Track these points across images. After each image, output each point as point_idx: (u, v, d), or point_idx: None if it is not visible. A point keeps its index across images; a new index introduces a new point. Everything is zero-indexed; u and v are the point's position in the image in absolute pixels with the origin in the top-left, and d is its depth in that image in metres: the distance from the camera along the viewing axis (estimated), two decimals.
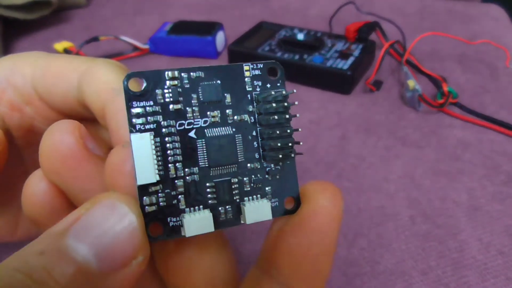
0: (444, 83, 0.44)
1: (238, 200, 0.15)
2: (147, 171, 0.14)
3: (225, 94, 0.15)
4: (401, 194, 0.35)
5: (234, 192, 0.15)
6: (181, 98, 0.15)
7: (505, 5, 0.65)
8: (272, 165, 0.16)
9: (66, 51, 0.53)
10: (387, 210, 0.34)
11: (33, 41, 0.59)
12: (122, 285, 0.12)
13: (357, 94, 0.47)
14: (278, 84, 0.16)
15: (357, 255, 0.31)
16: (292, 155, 0.16)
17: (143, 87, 0.14)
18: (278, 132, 0.15)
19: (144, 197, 0.14)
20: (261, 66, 0.16)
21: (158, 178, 0.14)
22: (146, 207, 0.14)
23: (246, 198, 0.15)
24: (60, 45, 0.53)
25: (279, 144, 0.15)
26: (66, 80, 0.19)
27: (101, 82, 0.18)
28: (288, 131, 0.16)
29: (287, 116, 0.16)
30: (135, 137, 0.14)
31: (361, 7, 0.58)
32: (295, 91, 0.16)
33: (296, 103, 0.16)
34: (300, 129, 0.16)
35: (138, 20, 0.65)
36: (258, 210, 0.15)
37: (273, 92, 0.15)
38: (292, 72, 0.49)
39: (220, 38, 0.54)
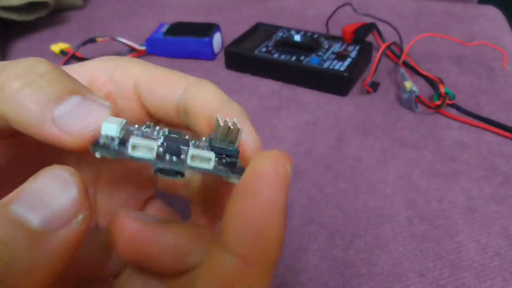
0: (441, 85, 0.44)
1: (186, 148, 0.17)
2: (111, 126, 0.16)
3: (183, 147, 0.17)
4: (398, 195, 0.35)
5: (181, 147, 0.17)
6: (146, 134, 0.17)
7: (502, 7, 0.65)
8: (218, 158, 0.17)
9: (63, 53, 0.53)
10: (384, 211, 0.34)
11: (30, 43, 0.59)
12: (65, 242, 0.14)
13: (354, 95, 0.47)
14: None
15: (354, 257, 0.31)
16: (236, 155, 0.17)
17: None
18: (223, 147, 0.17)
19: (100, 139, 0.16)
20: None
21: (119, 133, 0.16)
22: (100, 139, 0.16)
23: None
24: (56, 47, 0.53)
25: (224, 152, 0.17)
26: (173, 85, 0.21)
27: (213, 94, 0.20)
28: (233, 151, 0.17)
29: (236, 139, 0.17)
30: (105, 123, 0.16)
31: (358, 8, 0.58)
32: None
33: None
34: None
35: (134, 21, 0.65)
36: (201, 154, 0.16)
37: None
38: (289, 74, 0.49)
39: (217, 39, 0.54)
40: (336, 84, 0.47)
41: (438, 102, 0.43)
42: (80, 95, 0.17)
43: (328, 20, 0.58)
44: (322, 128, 0.43)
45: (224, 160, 0.17)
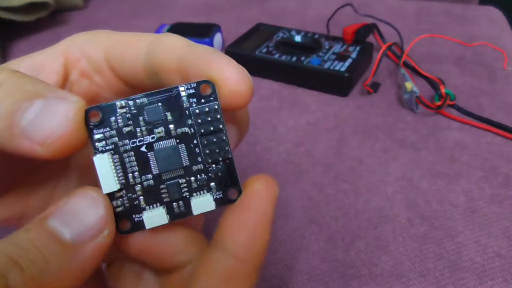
0: (441, 85, 0.44)
1: (188, 196, 0.18)
2: (109, 182, 0.17)
3: (166, 113, 0.18)
4: (398, 196, 0.35)
5: (183, 190, 0.18)
6: (130, 122, 0.18)
7: (503, 7, 0.65)
8: (214, 166, 0.19)
9: None
10: (385, 212, 0.34)
11: (30, 43, 0.59)
12: (92, 254, 0.16)
13: (354, 96, 0.47)
14: (211, 98, 0.18)
15: (355, 257, 0.31)
16: (229, 156, 0.19)
17: (99, 118, 0.18)
18: (211, 138, 0.18)
19: (113, 201, 0.18)
20: (194, 85, 0.18)
21: (119, 186, 0.18)
22: (116, 208, 0.18)
23: (194, 194, 0.19)
24: None
25: (214, 149, 0.18)
26: (136, 47, 0.20)
27: (175, 41, 0.20)
28: (221, 135, 0.18)
29: (221, 126, 0.18)
30: (97, 158, 0.17)
31: (358, 9, 0.58)
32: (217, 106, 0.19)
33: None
34: (223, 137, 0.19)
35: (135, 23, 0.65)
36: (202, 203, 0.18)
37: (207, 107, 0.18)
38: (289, 74, 0.49)
39: (217, 40, 0.54)
40: (336, 84, 0.47)
41: (438, 103, 0.43)
42: (42, 98, 0.16)
43: (328, 20, 0.58)
44: (322, 129, 0.43)
45: (219, 173, 0.19)
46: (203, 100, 0.18)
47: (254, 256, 0.18)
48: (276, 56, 0.49)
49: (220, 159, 0.19)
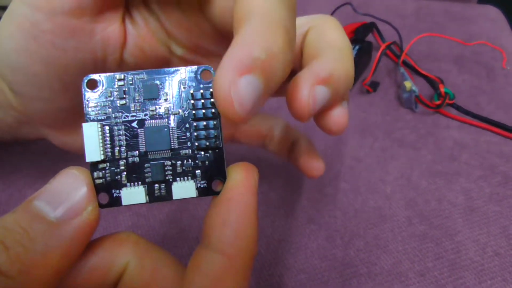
0: (440, 84, 0.44)
1: (171, 180, 0.18)
2: (94, 151, 0.17)
3: (164, 92, 0.18)
4: (397, 195, 0.35)
5: (167, 173, 0.18)
6: (126, 95, 0.18)
7: (502, 6, 0.65)
8: (202, 153, 0.18)
9: None
10: (384, 211, 0.34)
11: None
12: (77, 230, 0.16)
13: (353, 95, 0.47)
14: (210, 85, 0.18)
15: (354, 256, 0.31)
16: (220, 146, 0.18)
17: (96, 87, 0.18)
18: (204, 124, 0.18)
19: (94, 172, 0.18)
20: (195, 69, 0.18)
21: (102, 157, 0.17)
22: (96, 180, 0.18)
23: (177, 178, 0.18)
24: None
25: (205, 135, 0.18)
26: None
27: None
28: (214, 123, 0.18)
29: (216, 112, 0.18)
30: (86, 126, 0.17)
31: (357, 8, 0.58)
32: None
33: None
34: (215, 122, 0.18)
35: None
36: (184, 188, 0.18)
37: (205, 93, 0.18)
38: None
39: None
40: None
41: (438, 102, 0.43)
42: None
43: None
44: None
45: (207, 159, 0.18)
46: (201, 86, 0.18)
47: (241, 251, 0.17)
48: None
49: (211, 146, 0.18)
